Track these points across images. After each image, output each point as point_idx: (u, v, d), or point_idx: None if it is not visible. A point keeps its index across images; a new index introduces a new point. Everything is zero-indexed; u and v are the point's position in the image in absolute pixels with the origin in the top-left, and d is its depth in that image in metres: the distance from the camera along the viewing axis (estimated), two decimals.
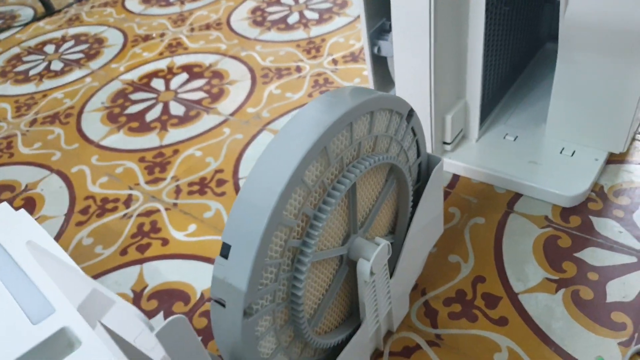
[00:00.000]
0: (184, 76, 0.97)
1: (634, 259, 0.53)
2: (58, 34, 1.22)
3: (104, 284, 0.59)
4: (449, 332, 0.50)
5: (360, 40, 0.99)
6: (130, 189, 0.72)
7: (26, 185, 0.76)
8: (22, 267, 0.51)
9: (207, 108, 0.87)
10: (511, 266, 0.55)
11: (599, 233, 0.56)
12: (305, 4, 1.16)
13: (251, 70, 0.95)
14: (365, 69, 0.90)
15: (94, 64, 1.06)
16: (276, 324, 0.36)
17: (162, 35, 1.14)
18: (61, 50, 1.15)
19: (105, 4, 1.35)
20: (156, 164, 0.76)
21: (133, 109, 0.90)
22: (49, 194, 0.74)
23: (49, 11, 1.35)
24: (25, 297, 0.48)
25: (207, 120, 0.83)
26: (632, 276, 0.52)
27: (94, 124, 0.87)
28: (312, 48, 0.98)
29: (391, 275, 0.45)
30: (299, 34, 1.04)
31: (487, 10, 0.57)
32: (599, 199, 0.60)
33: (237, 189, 0.70)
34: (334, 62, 0.93)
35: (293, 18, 1.11)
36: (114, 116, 0.89)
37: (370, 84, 0.68)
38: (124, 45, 1.12)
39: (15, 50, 1.18)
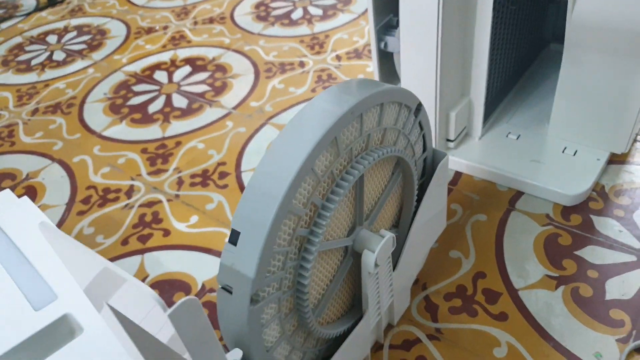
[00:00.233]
0: (187, 69, 0.97)
1: (633, 258, 0.54)
2: (60, 25, 1.22)
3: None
4: (449, 326, 0.50)
5: (364, 37, 0.99)
6: (132, 179, 0.72)
7: (27, 174, 0.76)
8: (24, 253, 0.51)
9: (210, 101, 0.87)
10: (512, 263, 0.55)
11: (599, 232, 0.57)
12: (310, 0, 1.16)
13: (254, 65, 0.95)
14: (369, 65, 0.90)
15: (97, 55, 1.06)
16: (281, 312, 0.36)
17: (165, 28, 1.14)
18: (63, 40, 1.14)
19: None
20: (158, 155, 0.76)
21: (135, 100, 0.90)
22: (50, 183, 0.74)
23: (52, 1, 1.34)
24: (28, 284, 0.48)
25: (209, 113, 0.83)
26: (632, 274, 0.52)
27: (96, 115, 0.87)
28: (316, 44, 0.99)
29: (394, 268, 0.46)
30: (303, 29, 1.04)
31: (494, 8, 0.57)
32: (600, 198, 0.61)
33: (239, 181, 0.70)
34: (338, 58, 0.93)
35: (297, 14, 1.11)
36: (117, 107, 0.89)
37: (375, 79, 0.68)
38: (127, 37, 1.12)
39: (18, 39, 1.18)
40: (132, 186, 0.71)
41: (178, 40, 1.08)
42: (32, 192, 0.73)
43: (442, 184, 0.49)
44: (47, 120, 0.88)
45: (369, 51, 0.63)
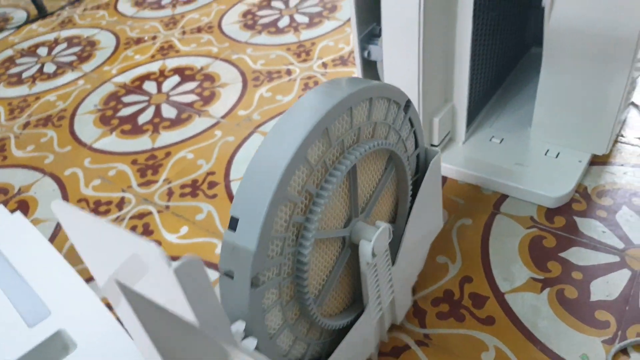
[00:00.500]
0: (176, 79, 0.97)
1: (617, 258, 0.55)
2: (51, 37, 1.22)
3: (97, 287, 0.60)
4: (437, 331, 0.51)
5: (349, 44, 1.00)
6: (123, 191, 0.73)
7: (19, 189, 0.77)
8: (17, 270, 0.51)
9: (199, 111, 0.87)
10: (498, 266, 0.56)
11: (583, 233, 0.58)
12: (296, 8, 1.17)
13: (242, 73, 0.95)
14: (354, 72, 0.91)
15: (87, 67, 1.07)
16: (282, 299, 0.37)
17: (154, 38, 1.14)
18: (54, 52, 1.15)
19: (97, 7, 1.35)
20: (148, 166, 0.77)
21: (125, 111, 0.90)
22: (42, 197, 0.74)
23: (42, 14, 1.35)
24: (21, 300, 0.49)
25: (198, 123, 0.84)
26: (615, 275, 0.53)
27: (86, 127, 0.88)
28: (303, 52, 0.99)
29: (393, 263, 0.46)
30: (290, 37, 1.05)
31: (474, 15, 0.58)
32: (582, 199, 0.62)
33: (228, 191, 0.70)
34: (324, 65, 0.94)
35: (283, 22, 1.12)
36: (107, 119, 0.89)
37: None
38: (116, 48, 1.12)
39: (8, 52, 1.18)
40: (122, 198, 0.72)
41: (167, 50, 1.08)
42: (24, 207, 0.73)
43: (435, 181, 0.50)
44: (38, 134, 0.88)
45: (355, 58, 0.64)
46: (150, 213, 0.68)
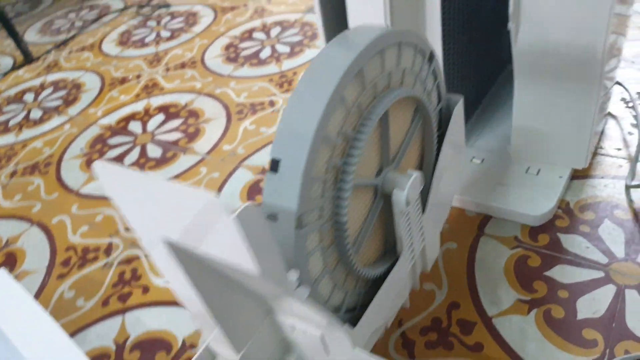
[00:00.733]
0: (161, 117, 0.98)
1: (601, 274, 0.55)
2: (37, 82, 1.24)
3: (86, 338, 0.59)
4: None
5: None
6: (111, 236, 0.73)
7: (7, 240, 0.77)
8: (1, 328, 0.51)
9: (184, 148, 0.88)
10: (484, 290, 0.56)
11: (567, 250, 0.58)
12: (277, 38, 1.19)
13: (226, 107, 0.97)
14: None
15: (73, 110, 1.08)
16: (323, 243, 0.37)
17: (138, 76, 1.16)
18: (40, 98, 1.16)
19: (82, 49, 1.37)
20: None
21: (111, 153, 0.91)
22: (30, 248, 0.75)
23: (28, 59, 1.37)
24: (4, 358, 0.48)
25: (183, 161, 0.85)
26: (601, 291, 0.53)
27: (73, 172, 0.88)
28: (285, 82, 1.01)
29: (423, 211, 0.47)
30: (272, 68, 1.07)
31: (444, 40, 0.59)
32: (565, 215, 0.62)
33: None
34: None
35: (265, 52, 1.13)
36: (93, 162, 0.90)
37: None
38: (102, 89, 1.14)
39: None
40: (110, 244, 0.72)
41: (151, 88, 1.10)
42: (12, 259, 0.73)
43: (459, 126, 0.51)
44: (25, 182, 0.89)
45: None
46: (138, 257, 0.69)
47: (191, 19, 1.41)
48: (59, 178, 0.88)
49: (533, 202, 0.62)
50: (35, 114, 1.10)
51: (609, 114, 0.76)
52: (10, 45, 1.49)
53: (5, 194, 0.87)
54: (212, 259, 0.30)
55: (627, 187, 0.64)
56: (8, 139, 1.03)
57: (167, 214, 0.29)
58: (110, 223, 0.75)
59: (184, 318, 0.60)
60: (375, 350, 0.51)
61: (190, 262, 0.32)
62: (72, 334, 0.59)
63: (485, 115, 0.76)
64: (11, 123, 1.09)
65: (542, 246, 0.59)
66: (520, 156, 0.67)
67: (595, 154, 0.69)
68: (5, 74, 1.33)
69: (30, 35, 1.55)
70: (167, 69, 1.16)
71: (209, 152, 0.86)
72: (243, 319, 0.39)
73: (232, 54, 1.16)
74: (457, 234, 0.62)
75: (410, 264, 0.47)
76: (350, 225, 0.40)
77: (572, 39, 0.54)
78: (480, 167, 0.68)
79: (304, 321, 0.38)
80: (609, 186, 0.64)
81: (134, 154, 0.90)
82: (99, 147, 0.94)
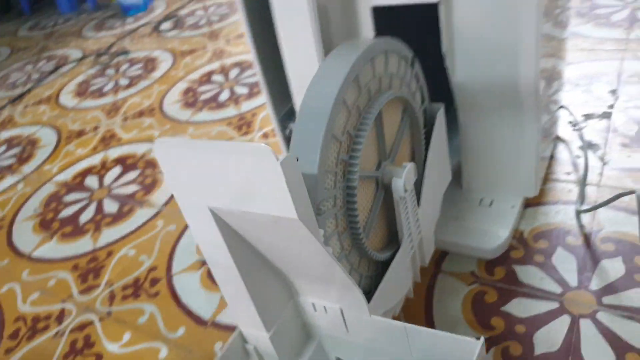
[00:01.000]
0: (118, 170, 0.97)
1: (556, 305, 0.55)
2: None
3: None
4: None
5: None
6: (63, 302, 0.70)
7: None
8: None
9: (141, 201, 0.86)
10: (442, 330, 0.55)
11: (522, 282, 0.58)
12: (236, 80, 1.19)
13: None
14: None
15: (27, 168, 1.06)
16: (339, 228, 0.43)
17: (95, 128, 1.14)
18: None
19: (39, 102, 1.35)
20: (90, 269, 0.75)
21: (67, 212, 0.89)
22: None
23: None
24: None
25: (140, 215, 0.83)
26: (556, 323, 0.53)
27: (25, 235, 0.86)
28: (243, 124, 1.01)
29: (418, 204, 0.52)
30: (230, 111, 1.07)
31: None
32: (520, 245, 0.62)
33: (170, 287, 0.69)
34: (265, 136, 0.95)
35: (224, 95, 1.13)
36: (47, 223, 0.87)
37: None
38: (58, 144, 1.12)
39: None
40: (62, 310, 0.69)
41: (109, 139, 1.08)
42: None
43: (442, 132, 0.57)
44: None
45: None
46: (91, 323, 0.66)
47: (150, 64, 1.41)
48: (9, 243, 0.85)
49: (487, 235, 0.62)
50: None
51: (558, 137, 0.77)
52: None
53: None
54: (254, 216, 0.36)
55: (577, 212, 0.64)
56: None
57: (216, 178, 0.35)
58: (63, 287, 0.73)
59: None
60: None
61: (230, 233, 0.39)
62: None
63: None
64: None
65: (498, 280, 0.59)
66: (472, 188, 0.68)
67: (546, 179, 0.70)
68: None
69: None
70: (125, 119, 1.15)
71: (166, 204, 0.84)
72: (272, 298, 0.45)
73: (190, 99, 1.16)
74: None
75: (411, 252, 0.52)
76: (359, 212, 0.46)
77: (506, 68, 0.55)
78: None
79: (323, 297, 0.45)
80: (560, 212, 0.65)
81: (90, 211, 0.87)
82: (53, 206, 0.91)
